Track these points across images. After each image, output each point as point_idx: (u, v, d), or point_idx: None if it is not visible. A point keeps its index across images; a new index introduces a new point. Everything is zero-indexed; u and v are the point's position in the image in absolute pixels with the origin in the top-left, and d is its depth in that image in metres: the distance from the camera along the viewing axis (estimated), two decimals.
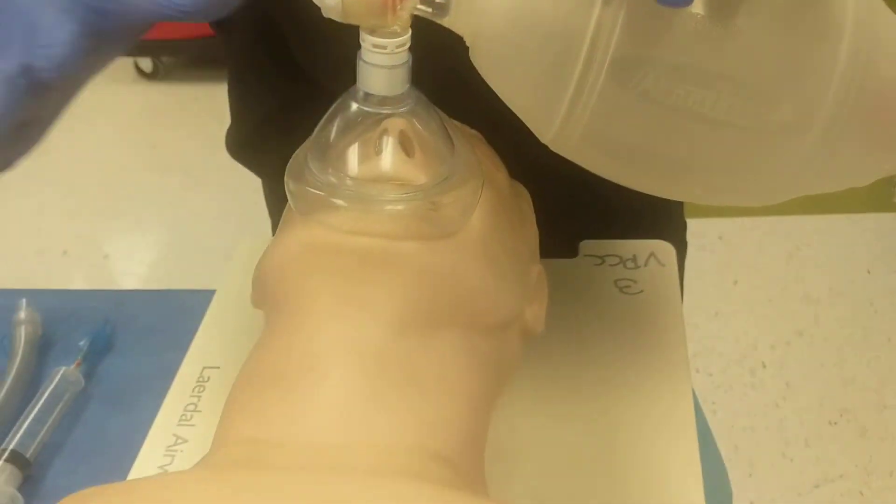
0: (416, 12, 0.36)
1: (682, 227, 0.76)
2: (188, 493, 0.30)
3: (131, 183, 2.22)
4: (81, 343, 0.63)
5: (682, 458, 0.48)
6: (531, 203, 0.52)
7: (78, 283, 2.04)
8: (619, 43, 0.32)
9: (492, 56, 0.36)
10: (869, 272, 1.78)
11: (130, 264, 2.07)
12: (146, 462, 0.52)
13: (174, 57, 2.60)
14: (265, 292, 0.42)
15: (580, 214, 0.64)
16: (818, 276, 1.78)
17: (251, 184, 0.74)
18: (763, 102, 0.33)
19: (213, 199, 2.03)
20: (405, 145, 0.40)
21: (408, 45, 0.37)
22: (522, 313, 0.45)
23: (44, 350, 0.64)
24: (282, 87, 0.61)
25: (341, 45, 0.37)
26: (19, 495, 0.53)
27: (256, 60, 0.62)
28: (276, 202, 0.72)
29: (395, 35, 0.37)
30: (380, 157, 0.39)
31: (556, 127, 0.35)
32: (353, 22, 0.36)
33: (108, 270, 2.06)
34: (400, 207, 0.38)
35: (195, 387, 0.56)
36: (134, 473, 0.51)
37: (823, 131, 0.34)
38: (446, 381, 0.38)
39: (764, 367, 1.62)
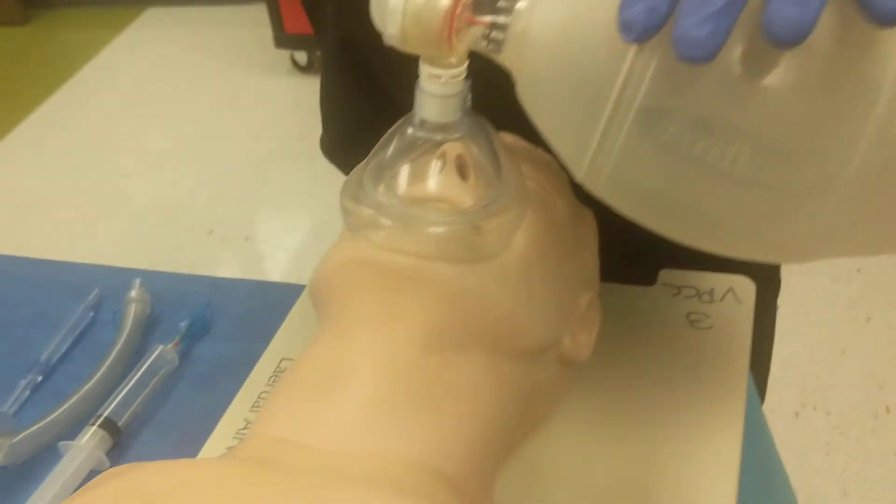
0: (472, 47, 0.38)
1: (776, 265, 0.75)
2: (202, 480, 0.33)
3: (276, 171, 2.34)
4: (182, 324, 0.68)
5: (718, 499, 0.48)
6: (595, 229, 0.53)
7: (219, 261, 2.17)
8: (647, 92, 0.34)
9: (533, 93, 0.38)
10: None
11: (269, 248, 2.18)
12: (217, 442, 0.56)
13: None
14: (317, 300, 0.45)
15: (666, 243, 0.64)
16: None
17: None
18: (784, 162, 0.33)
19: None
20: (461, 169, 0.42)
21: (463, 75, 0.40)
22: (560, 341, 0.46)
23: (150, 327, 0.70)
24: (363, 100, 0.64)
25: (415, 66, 0.40)
26: (106, 459, 0.59)
27: (341, 74, 0.66)
28: None
29: (450, 66, 0.39)
30: (428, 180, 0.41)
31: (585, 166, 0.36)
32: (411, 51, 0.38)
33: (248, 252, 2.17)
34: (441, 230, 0.40)
35: (271, 377, 0.60)
36: (204, 452, 0.56)
37: (846, 197, 0.33)
38: (464, 402, 0.39)
39: (888, 411, 1.54)
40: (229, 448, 0.55)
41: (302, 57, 2.66)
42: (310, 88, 2.80)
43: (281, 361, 0.61)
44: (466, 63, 0.40)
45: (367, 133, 0.57)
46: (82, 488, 0.36)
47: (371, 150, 0.45)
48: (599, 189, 0.38)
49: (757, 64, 0.32)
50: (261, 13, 2.65)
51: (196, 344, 0.69)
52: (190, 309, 0.70)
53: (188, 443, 0.58)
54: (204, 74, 2.80)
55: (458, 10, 0.37)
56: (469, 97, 0.43)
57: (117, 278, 0.73)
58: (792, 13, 0.28)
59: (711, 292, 0.62)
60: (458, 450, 0.38)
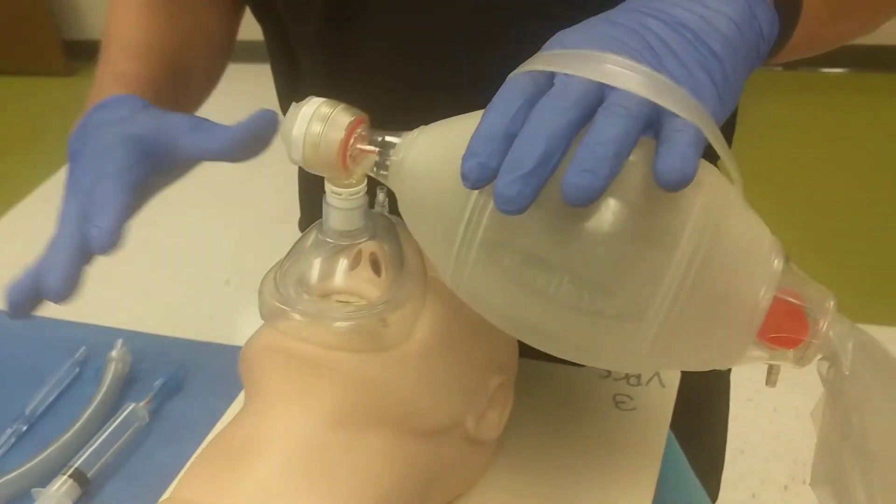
0: (366, 171, 0.44)
1: None
2: None
3: (290, 224, 2.41)
4: (156, 383, 0.74)
5: None
6: None
7: (235, 309, 2.23)
8: (487, 227, 0.40)
9: (408, 212, 0.45)
10: None
11: None
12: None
13: None
14: (242, 379, 0.51)
15: None
16: None
17: None
18: (600, 292, 0.39)
19: None
20: (374, 265, 0.48)
21: (362, 192, 0.46)
22: (464, 421, 0.51)
23: (128, 384, 0.76)
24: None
25: None
26: None
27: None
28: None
29: (350, 185, 0.45)
30: (337, 276, 0.47)
31: (448, 278, 0.42)
32: (315, 172, 0.45)
33: None
34: (346, 324, 0.46)
35: None
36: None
37: (658, 322, 0.39)
38: (361, 477, 0.45)
39: None
40: None
41: None
42: None
43: None
44: (365, 182, 0.46)
45: None
46: None
47: None
48: (463, 296, 0.43)
49: (570, 212, 0.38)
50: None
51: (168, 402, 0.75)
52: (167, 367, 0.76)
53: (151, 494, 0.63)
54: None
55: (351, 142, 0.43)
56: (385, 201, 0.49)
57: (104, 336, 0.80)
58: (583, 182, 0.34)
59: (639, 376, 0.67)
60: None
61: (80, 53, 3.54)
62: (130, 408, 0.71)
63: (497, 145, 0.36)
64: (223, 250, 2.39)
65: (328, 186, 0.46)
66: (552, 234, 0.39)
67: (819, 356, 0.42)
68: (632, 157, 0.36)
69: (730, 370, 0.84)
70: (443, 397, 0.49)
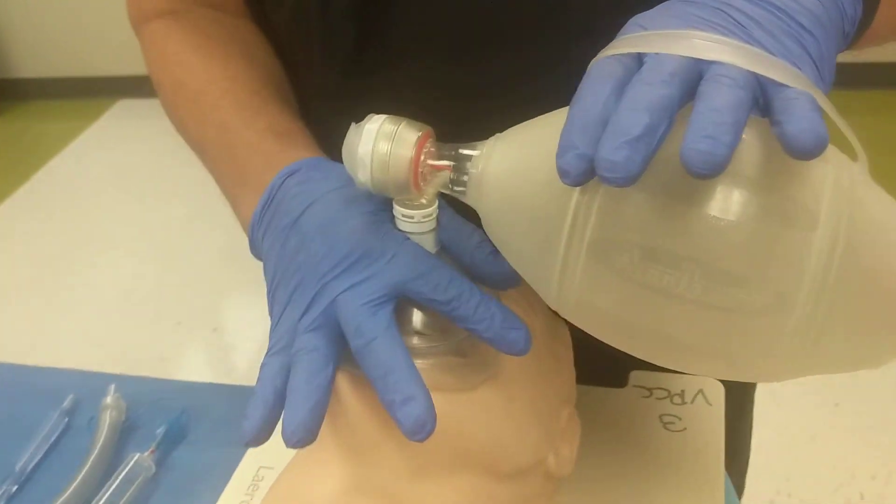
0: (440, 189, 0.40)
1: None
2: None
3: (244, 262, 2.34)
4: (158, 431, 0.68)
5: None
6: (569, 345, 0.54)
7: (187, 352, 2.15)
8: (596, 226, 0.36)
9: (496, 229, 0.40)
10: None
11: (238, 339, 2.17)
12: None
13: None
14: None
15: None
16: None
17: None
18: (735, 285, 0.35)
19: None
20: None
21: (434, 215, 0.42)
22: (545, 459, 0.47)
23: (125, 433, 0.70)
24: None
25: None
26: None
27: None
28: None
29: (422, 206, 0.41)
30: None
31: (553, 296, 0.38)
32: (384, 194, 0.40)
33: (215, 343, 2.16)
34: (428, 361, 0.41)
35: (250, 485, 0.61)
36: None
37: (806, 316, 0.35)
38: None
39: (862, 498, 1.55)
40: None
41: None
42: None
43: (259, 469, 0.62)
44: (437, 203, 0.42)
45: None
46: None
47: None
48: (570, 315, 0.39)
49: (692, 194, 0.34)
50: None
51: (172, 450, 0.69)
52: (166, 414, 0.70)
53: None
54: (173, 164, 2.82)
55: (422, 158, 0.39)
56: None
57: (91, 382, 0.73)
58: (705, 147, 0.30)
59: (682, 394, 0.64)
60: None
61: (9, 93, 3.44)
62: (135, 458, 0.65)
63: (594, 132, 0.33)
64: (173, 292, 2.30)
65: (398, 211, 0.42)
66: (674, 222, 0.35)
67: None
68: (743, 135, 0.33)
69: None
70: (523, 437, 0.45)
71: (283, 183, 0.46)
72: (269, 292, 0.45)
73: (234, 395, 0.76)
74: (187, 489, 0.65)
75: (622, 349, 0.40)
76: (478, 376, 0.43)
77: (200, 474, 0.66)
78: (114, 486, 0.63)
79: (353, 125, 0.40)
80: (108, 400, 0.70)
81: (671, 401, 0.63)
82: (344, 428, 0.42)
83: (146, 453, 0.66)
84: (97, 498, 0.62)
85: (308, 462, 0.43)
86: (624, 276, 0.35)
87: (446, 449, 0.41)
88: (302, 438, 0.38)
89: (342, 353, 0.41)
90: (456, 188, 0.40)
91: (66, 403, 0.73)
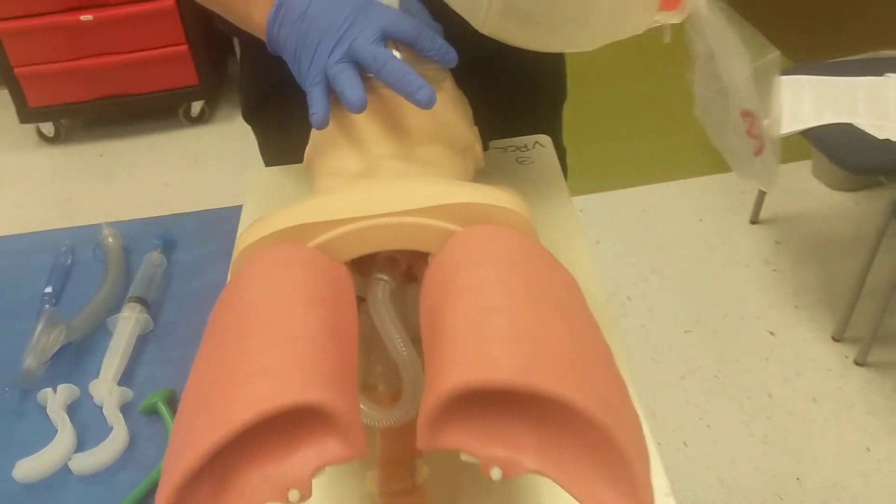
0: None
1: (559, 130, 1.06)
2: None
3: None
4: (157, 241, 0.89)
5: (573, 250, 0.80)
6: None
7: None
8: None
9: None
10: (701, 221, 2.17)
11: None
12: None
13: (72, 119, 2.80)
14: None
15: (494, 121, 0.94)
16: (663, 228, 2.16)
17: None
18: None
19: None
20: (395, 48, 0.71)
21: None
22: (474, 146, 0.75)
23: (125, 254, 0.90)
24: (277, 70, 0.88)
25: None
26: (151, 320, 0.80)
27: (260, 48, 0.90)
28: (268, 152, 1.01)
29: None
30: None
31: (483, 13, 0.65)
32: None
33: None
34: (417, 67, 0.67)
35: None
36: None
37: None
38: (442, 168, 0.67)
39: (629, 299, 1.97)
40: None
41: (48, 128, 2.73)
42: (62, 157, 2.84)
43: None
44: None
45: (281, 94, 0.81)
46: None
47: (286, 108, 0.73)
48: (497, 28, 0.65)
49: None
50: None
51: (171, 254, 0.90)
52: (156, 234, 0.90)
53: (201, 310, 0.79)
54: None
55: None
56: None
57: (79, 233, 0.92)
58: None
59: (525, 146, 0.94)
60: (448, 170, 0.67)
61: None
62: (149, 256, 0.86)
63: None
64: None
65: None
66: None
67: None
68: None
69: None
70: (468, 122, 0.72)
71: None
72: (293, 64, 0.68)
73: (209, 218, 0.96)
74: (197, 273, 0.87)
75: (532, 45, 0.67)
76: (444, 78, 0.70)
77: (202, 265, 0.88)
78: (140, 272, 0.84)
79: None
80: (105, 231, 0.90)
81: (520, 150, 0.94)
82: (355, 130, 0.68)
83: (155, 252, 0.87)
84: (131, 290, 0.82)
85: (331, 154, 0.68)
86: None
87: (429, 125, 0.68)
88: (362, 105, 0.62)
89: None
90: None
91: (65, 248, 0.90)
